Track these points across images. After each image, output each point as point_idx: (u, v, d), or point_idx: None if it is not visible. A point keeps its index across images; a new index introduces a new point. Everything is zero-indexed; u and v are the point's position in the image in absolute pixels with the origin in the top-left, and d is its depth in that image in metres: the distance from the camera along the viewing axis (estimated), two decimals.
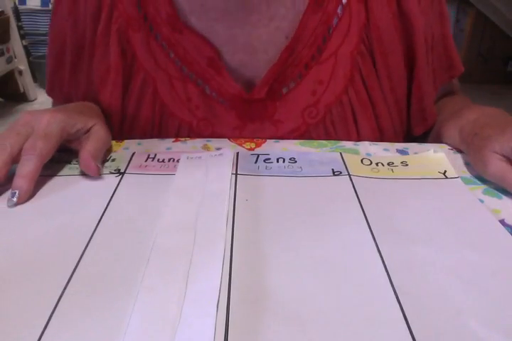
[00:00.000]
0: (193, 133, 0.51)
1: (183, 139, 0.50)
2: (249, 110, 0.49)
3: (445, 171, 0.42)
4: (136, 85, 0.50)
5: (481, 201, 0.38)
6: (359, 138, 0.51)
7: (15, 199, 0.36)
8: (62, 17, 0.51)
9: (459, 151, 0.47)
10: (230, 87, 0.48)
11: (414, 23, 0.48)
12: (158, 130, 0.52)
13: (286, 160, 0.44)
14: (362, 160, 0.44)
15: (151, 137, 0.51)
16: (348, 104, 0.49)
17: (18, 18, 2.77)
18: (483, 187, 0.40)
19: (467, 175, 0.42)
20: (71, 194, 0.38)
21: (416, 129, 0.55)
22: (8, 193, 0.37)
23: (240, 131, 0.51)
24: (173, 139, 0.50)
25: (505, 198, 0.39)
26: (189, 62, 0.48)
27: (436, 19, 0.52)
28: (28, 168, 0.37)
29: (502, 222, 0.35)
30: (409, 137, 0.57)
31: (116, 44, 0.49)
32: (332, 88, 0.48)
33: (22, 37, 2.73)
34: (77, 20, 0.50)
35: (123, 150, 0.47)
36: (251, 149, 0.47)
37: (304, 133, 0.50)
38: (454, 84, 0.60)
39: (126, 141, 0.49)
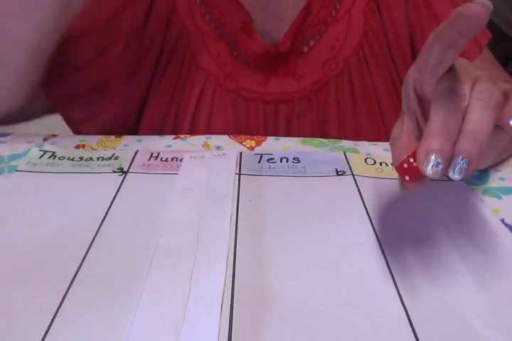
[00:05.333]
0: (219, 87, 0.53)
1: (182, 136, 0.50)
2: (273, 67, 0.53)
3: None
4: (172, 34, 0.52)
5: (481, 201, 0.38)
6: (374, 90, 0.54)
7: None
8: None
9: None
10: (258, 47, 0.51)
11: None
12: (184, 80, 0.54)
13: (290, 160, 0.44)
14: (366, 160, 0.44)
15: (178, 88, 0.53)
16: (363, 57, 0.53)
17: None
18: (483, 187, 0.41)
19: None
20: (74, 192, 0.38)
21: None
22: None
23: (264, 86, 0.54)
24: (173, 136, 0.50)
25: (505, 198, 0.39)
26: (223, 24, 0.52)
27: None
28: None
29: (502, 221, 0.35)
30: None
31: None
32: (349, 43, 0.53)
33: None
34: None
35: (123, 146, 0.47)
36: (251, 148, 0.47)
37: (324, 86, 0.53)
38: None
39: (125, 136, 0.49)
